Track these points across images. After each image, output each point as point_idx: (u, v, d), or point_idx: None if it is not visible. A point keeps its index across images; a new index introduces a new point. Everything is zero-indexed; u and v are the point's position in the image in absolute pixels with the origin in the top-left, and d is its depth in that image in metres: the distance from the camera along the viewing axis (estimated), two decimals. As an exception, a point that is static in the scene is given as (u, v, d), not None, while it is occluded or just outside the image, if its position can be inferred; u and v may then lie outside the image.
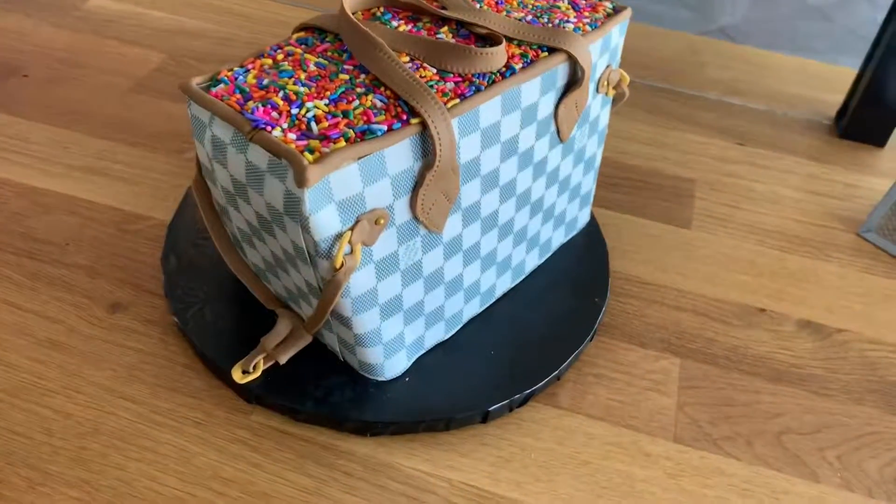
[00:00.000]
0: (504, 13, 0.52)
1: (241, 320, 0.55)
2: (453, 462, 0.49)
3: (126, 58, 0.78)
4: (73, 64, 0.77)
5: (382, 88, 0.44)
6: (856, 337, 0.60)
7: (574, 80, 0.51)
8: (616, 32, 0.54)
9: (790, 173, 0.74)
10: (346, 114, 0.42)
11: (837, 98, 0.85)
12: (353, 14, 0.51)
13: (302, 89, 0.44)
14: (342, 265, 0.42)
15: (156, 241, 0.61)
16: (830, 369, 0.57)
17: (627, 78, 0.57)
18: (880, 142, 0.78)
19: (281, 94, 0.43)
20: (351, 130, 0.41)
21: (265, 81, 0.44)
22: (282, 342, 0.51)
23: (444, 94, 0.45)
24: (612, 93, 0.57)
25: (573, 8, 0.55)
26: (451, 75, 0.46)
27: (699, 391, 0.55)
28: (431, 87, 0.45)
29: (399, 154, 0.42)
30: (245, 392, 0.51)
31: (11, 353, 0.52)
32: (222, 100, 0.43)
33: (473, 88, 0.45)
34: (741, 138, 0.78)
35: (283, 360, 0.51)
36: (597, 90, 0.55)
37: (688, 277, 0.63)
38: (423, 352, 0.54)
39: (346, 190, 0.41)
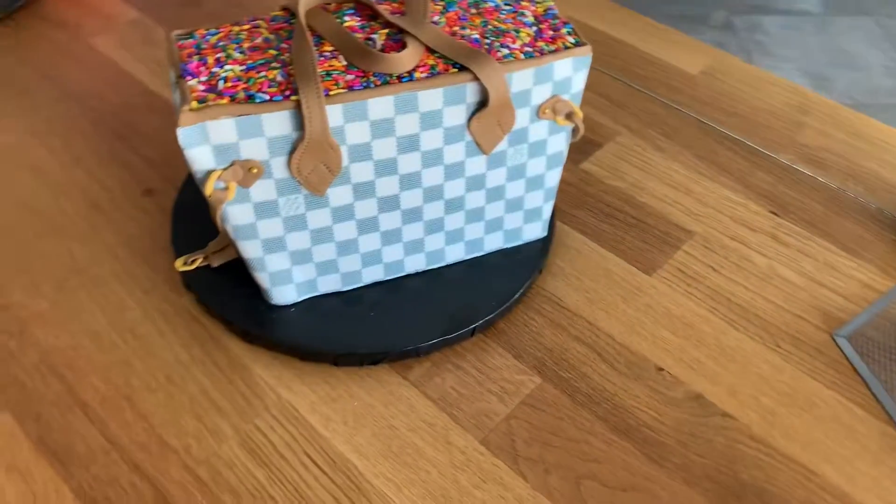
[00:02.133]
0: (453, 28, 0.58)
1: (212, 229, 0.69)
2: (293, 384, 0.59)
3: None
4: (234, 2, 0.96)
5: (289, 68, 0.54)
6: (739, 428, 0.57)
7: (485, 100, 0.56)
8: (564, 66, 0.58)
9: (808, 257, 0.69)
10: (248, 80, 0.53)
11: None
12: (315, 5, 0.60)
13: (237, 55, 0.55)
14: (212, 194, 0.54)
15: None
16: (685, 444, 0.57)
17: (580, 113, 0.60)
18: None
19: (220, 55, 0.55)
20: (242, 94, 0.52)
21: (219, 43, 0.57)
22: (219, 250, 0.65)
23: (337, 83, 0.53)
24: (563, 122, 0.61)
25: (535, 36, 0.59)
26: (356, 70, 0.55)
27: (537, 413, 0.58)
28: (330, 75, 0.54)
29: (275, 121, 0.52)
30: (186, 279, 0.65)
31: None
32: (181, 50, 0.57)
33: (364, 84, 0.54)
34: (780, 208, 0.74)
35: (214, 263, 0.64)
36: (537, 116, 0.59)
37: (610, 317, 0.65)
38: (316, 293, 0.63)
39: (222, 138, 0.52)
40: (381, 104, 0.54)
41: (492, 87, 0.55)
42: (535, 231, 0.68)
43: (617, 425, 0.58)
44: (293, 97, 0.52)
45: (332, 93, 0.53)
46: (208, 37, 0.58)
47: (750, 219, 0.73)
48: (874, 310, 0.63)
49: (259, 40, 0.57)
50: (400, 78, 0.54)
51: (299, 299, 0.63)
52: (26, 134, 0.78)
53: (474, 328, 0.62)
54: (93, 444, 0.56)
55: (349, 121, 0.54)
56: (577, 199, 0.74)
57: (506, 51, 0.57)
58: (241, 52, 0.56)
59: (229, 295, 0.64)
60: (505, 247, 0.68)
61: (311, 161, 0.54)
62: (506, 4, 0.62)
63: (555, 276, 0.68)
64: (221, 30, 0.59)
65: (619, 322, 0.64)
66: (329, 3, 0.61)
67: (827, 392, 0.60)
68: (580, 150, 0.79)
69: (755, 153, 0.79)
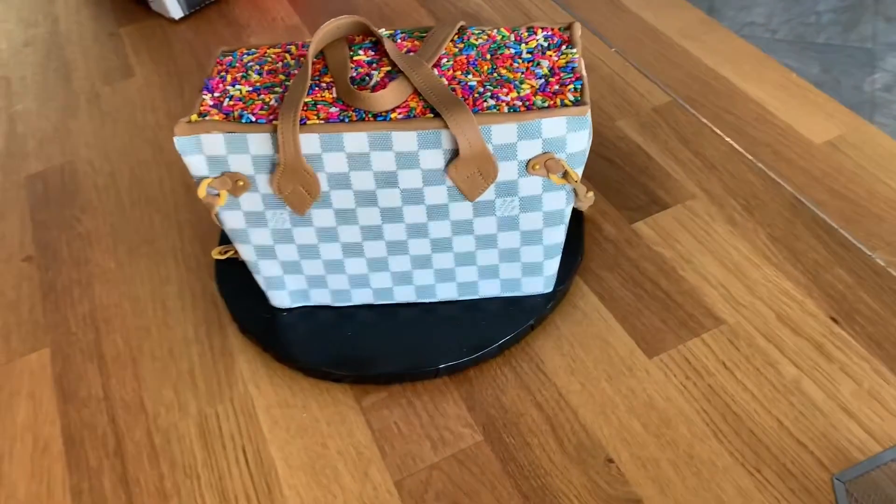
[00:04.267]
0: (455, 72, 0.58)
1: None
2: (261, 383, 0.64)
3: None
4: None
5: (283, 95, 0.58)
6: (665, 548, 0.51)
7: (458, 148, 0.56)
8: (555, 124, 0.55)
9: (849, 379, 0.59)
10: (248, 101, 0.58)
11: None
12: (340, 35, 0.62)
13: (254, 76, 0.61)
14: (204, 198, 0.60)
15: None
16: (595, 548, 0.52)
17: (575, 175, 0.57)
18: None
19: (239, 74, 0.61)
20: (237, 113, 0.57)
21: (249, 63, 0.62)
22: (247, 247, 0.71)
23: (318, 114, 0.56)
24: (559, 182, 0.58)
25: (538, 89, 0.57)
26: (341, 104, 0.57)
27: (462, 470, 0.57)
28: (315, 105, 0.57)
29: (259, 141, 0.57)
30: (217, 267, 0.72)
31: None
32: (217, 66, 0.63)
33: (341, 118, 0.56)
34: (845, 316, 0.63)
35: (241, 256, 0.71)
36: (526, 171, 0.57)
37: (584, 392, 0.60)
38: (309, 303, 0.67)
39: (213, 150, 0.58)
40: (355, 139, 0.56)
41: (462, 136, 0.55)
42: (535, 286, 0.65)
43: (531, 498, 0.55)
44: (275, 122, 0.56)
45: (309, 122, 0.56)
46: (245, 56, 0.64)
47: (800, 320, 0.63)
48: (865, 466, 0.52)
49: (279, 65, 0.62)
50: (376, 116, 0.56)
51: (293, 305, 0.68)
52: (167, 117, 0.91)
53: (438, 369, 0.62)
54: (92, 392, 0.65)
55: (326, 150, 0.57)
56: (610, 260, 0.69)
57: (493, 102, 0.56)
58: (258, 74, 0.61)
59: (241, 289, 0.70)
60: (503, 295, 0.66)
61: (290, 183, 0.58)
62: (528, 52, 0.60)
63: (548, 335, 0.65)
64: (258, 50, 0.64)
65: (590, 400, 0.60)
66: (356, 35, 0.64)
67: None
68: (640, 207, 0.73)
69: (845, 246, 0.68)
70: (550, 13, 0.97)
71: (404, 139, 0.56)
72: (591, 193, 0.71)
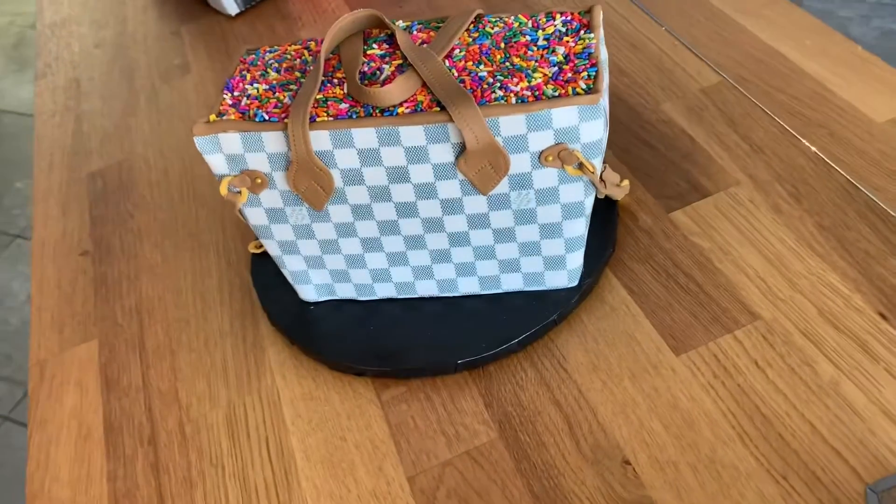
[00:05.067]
0: (466, 63, 0.57)
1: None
2: (288, 374, 0.65)
3: None
4: None
5: (295, 94, 0.58)
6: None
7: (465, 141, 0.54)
8: (566, 114, 0.54)
9: (895, 381, 0.54)
10: (264, 100, 0.59)
11: None
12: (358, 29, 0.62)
13: (272, 74, 0.61)
14: (226, 195, 0.61)
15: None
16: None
17: (591, 167, 0.55)
18: None
19: (258, 73, 0.62)
20: (252, 111, 0.58)
21: (270, 61, 0.63)
22: (280, 240, 0.73)
23: (328, 111, 0.56)
24: (575, 173, 0.56)
25: (551, 77, 0.55)
26: (351, 99, 0.57)
27: (475, 467, 0.56)
28: (326, 102, 0.57)
29: (273, 139, 0.57)
30: (253, 260, 0.74)
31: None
32: (240, 65, 0.64)
33: (350, 114, 0.56)
34: (887, 307, 0.58)
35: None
36: (539, 163, 0.56)
37: (605, 390, 0.58)
38: (335, 297, 0.68)
39: (231, 149, 0.59)
40: (364, 134, 0.56)
41: (468, 129, 0.54)
42: (559, 279, 0.63)
43: (542, 497, 0.53)
44: (286, 119, 0.57)
45: (319, 119, 0.56)
46: (267, 54, 0.65)
47: (844, 316, 0.59)
48: (896, 473, 0.48)
49: (297, 62, 0.62)
50: (383, 111, 0.55)
51: (319, 299, 0.69)
52: (219, 111, 0.94)
53: (457, 364, 0.62)
54: (133, 381, 0.68)
55: (337, 147, 0.57)
56: (644, 252, 0.67)
57: (501, 93, 0.55)
58: (276, 72, 0.62)
59: (273, 283, 0.71)
60: (526, 289, 0.65)
61: (304, 179, 0.59)
62: (544, 39, 0.58)
63: (572, 330, 0.63)
64: (280, 48, 0.65)
65: (611, 399, 0.58)
66: (373, 29, 0.63)
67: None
68: (679, 195, 0.70)
69: (904, 238, 0.62)
70: (600, -8, 0.94)
71: (412, 134, 0.55)
72: (626, 182, 0.69)
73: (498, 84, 0.55)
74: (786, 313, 0.60)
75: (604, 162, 0.71)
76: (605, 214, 0.69)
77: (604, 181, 0.63)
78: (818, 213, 0.66)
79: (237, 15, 1.09)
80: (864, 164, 0.68)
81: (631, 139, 0.76)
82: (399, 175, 0.58)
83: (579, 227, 0.60)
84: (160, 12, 1.14)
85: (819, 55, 0.79)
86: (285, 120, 0.57)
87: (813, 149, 0.70)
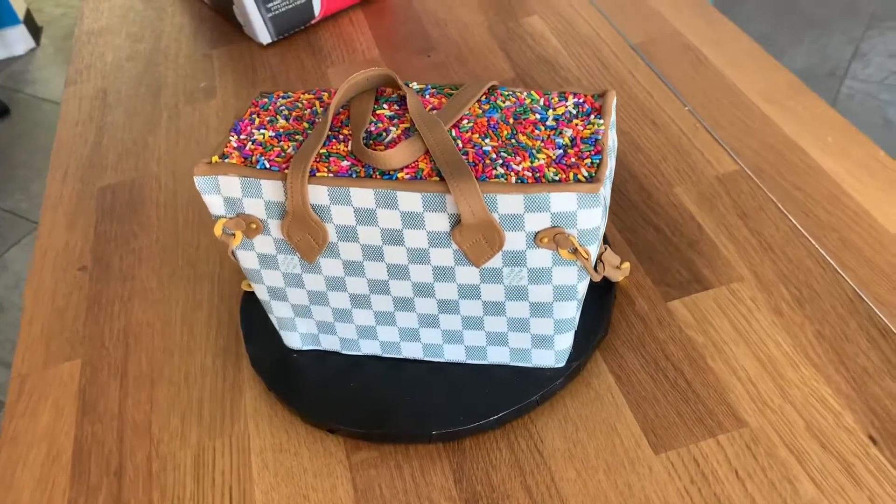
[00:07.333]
0: (472, 135, 0.56)
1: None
2: (261, 423, 0.65)
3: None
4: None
5: (300, 145, 0.58)
6: None
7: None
8: (565, 199, 0.53)
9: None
10: (268, 147, 0.59)
11: None
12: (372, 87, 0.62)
13: (281, 121, 0.61)
14: (220, 236, 0.61)
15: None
16: None
17: (585, 253, 0.54)
18: None
19: (267, 118, 0.62)
20: (255, 157, 0.58)
21: (281, 108, 0.63)
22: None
23: (329, 167, 0.56)
24: (568, 257, 0.55)
25: (555, 160, 0.54)
26: (354, 158, 0.56)
27: (434, 546, 0.55)
28: (328, 157, 0.57)
29: (272, 187, 0.57)
30: (243, 299, 0.73)
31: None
32: (251, 107, 0.64)
33: (350, 173, 0.55)
34: (887, 437, 0.56)
35: (265, 292, 0.72)
36: (535, 243, 0.55)
37: (578, 481, 0.57)
38: (319, 347, 0.67)
39: (230, 192, 0.59)
40: (362, 194, 0.55)
41: (464, 203, 0.53)
42: (546, 359, 0.62)
43: None
44: (286, 170, 0.57)
45: (319, 174, 0.56)
46: (279, 99, 0.65)
47: (833, 434, 0.57)
48: None
49: (307, 112, 0.62)
50: (383, 174, 0.55)
51: (304, 348, 0.68)
52: (236, 140, 0.94)
53: (431, 436, 0.60)
54: (109, 408, 0.68)
55: (334, 203, 0.56)
56: (636, 339, 0.65)
57: (502, 170, 0.54)
58: (285, 119, 0.62)
59: (260, 325, 0.70)
60: (512, 364, 0.64)
61: (298, 230, 0.58)
62: (554, 119, 0.58)
63: (554, 413, 0.62)
64: (293, 95, 0.65)
65: (583, 491, 0.56)
66: (386, 87, 0.63)
67: None
68: (680, 284, 0.68)
69: (904, 356, 0.60)
70: (628, 63, 0.93)
71: (409, 199, 0.55)
72: (626, 265, 0.68)
73: (501, 161, 0.55)
74: (773, 423, 0.58)
75: (606, 241, 0.69)
76: (602, 295, 0.68)
77: (602, 262, 0.62)
78: (819, 320, 0.64)
79: (269, 44, 1.10)
80: (872, 274, 0.67)
81: (638, 219, 0.75)
82: (393, 237, 0.57)
83: (570, 310, 0.59)
84: (196, 32, 1.15)
85: (839, 154, 0.77)
86: (285, 170, 0.57)
87: (822, 252, 0.69)
